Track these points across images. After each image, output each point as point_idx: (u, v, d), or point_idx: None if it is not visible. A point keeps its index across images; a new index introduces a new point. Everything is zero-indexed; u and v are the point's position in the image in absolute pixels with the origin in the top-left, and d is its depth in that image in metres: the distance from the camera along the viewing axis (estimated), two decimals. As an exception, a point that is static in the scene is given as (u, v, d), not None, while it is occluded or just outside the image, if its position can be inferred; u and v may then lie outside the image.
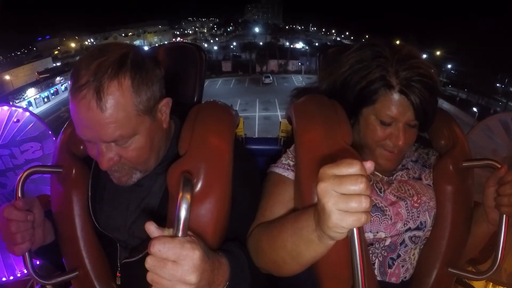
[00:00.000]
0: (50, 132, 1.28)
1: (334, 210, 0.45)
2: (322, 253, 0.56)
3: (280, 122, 1.31)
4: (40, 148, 1.27)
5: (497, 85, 26.96)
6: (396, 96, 0.72)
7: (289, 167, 0.80)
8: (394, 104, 0.72)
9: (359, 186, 0.43)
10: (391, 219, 0.77)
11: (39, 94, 26.86)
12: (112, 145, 0.66)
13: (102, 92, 0.60)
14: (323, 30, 62.22)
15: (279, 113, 21.46)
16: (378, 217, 0.76)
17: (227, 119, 0.79)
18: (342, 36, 57.44)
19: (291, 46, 47.60)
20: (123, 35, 49.10)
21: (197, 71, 1.00)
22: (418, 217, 0.78)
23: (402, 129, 0.74)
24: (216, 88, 30.56)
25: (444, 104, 25.15)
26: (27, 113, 1.27)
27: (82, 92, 0.60)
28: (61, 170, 0.78)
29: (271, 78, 32.44)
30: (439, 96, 0.74)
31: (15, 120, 1.24)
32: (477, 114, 21.26)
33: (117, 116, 0.62)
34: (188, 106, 0.83)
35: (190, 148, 0.71)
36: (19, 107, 1.29)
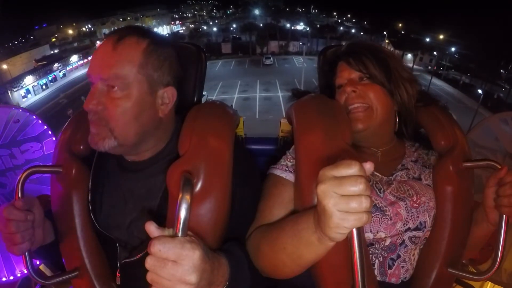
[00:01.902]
0: (50, 132, 1.28)
1: (335, 211, 0.45)
2: (322, 254, 0.56)
3: (280, 122, 1.31)
4: (40, 148, 1.27)
5: (501, 71, 26.82)
6: (340, 62, 0.89)
7: (287, 169, 0.80)
8: (340, 68, 0.88)
9: (358, 186, 0.43)
10: (391, 219, 0.77)
11: (37, 82, 26.56)
12: (104, 89, 0.69)
13: (122, 40, 0.71)
14: (324, 13, 61.64)
15: (280, 94, 21.48)
16: (378, 217, 0.76)
17: (227, 119, 0.79)
18: (344, 18, 56.68)
19: (292, 28, 46.97)
20: (121, 19, 48.57)
21: (197, 71, 1.00)
22: (418, 217, 0.78)
23: (350, 81, 0.85)
24: (215, 70, 30.03)
25: (447, 88, 25.03)
26: (27, 113, 1.26)
27: (108, 36, 0.72)
28: (61, 170, 0.78)
29: (271, 59, 32.16)
30: (384, 53, 0.87)
31: (15, 120, 1.24)
32: (481, 96, 21.02)
33: (122, 59, 0.69)
34: (188, 106, 0.83)
35: (190, 148, 0.71)
36: (19, 107, 1.29)
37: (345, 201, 0.44)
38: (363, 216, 0.44)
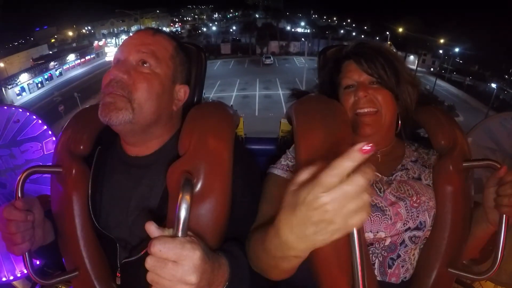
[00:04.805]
0: (50, 132, 1.28)
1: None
2: (298, 262, 0.55)
3: (280, 122, 1.31)
4: (40, 148, 1.27)
5: (505, 76, 26.77)
6: (348, 61, 0.87)
7: (288, 168, 0.80)
8: (349, 68, 0.86)
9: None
10: (391, 219, 0.77)
11: (32, 80, 26.07)
12: (133, 64, 0.74)
13: (158, 33, 0.80)
14: (324, 17, 61.53)
15: (281, 92, 21.22)
16: (378, 217, 0.77)
17: (227, 119, 0.79)
18: (344, 23, 56.66)
19: (292, 30, 46.69)
20: (120, 21, 48.84)
21: (197, 71, 1.00)
22: (418, 217, 0.78)
23: (361, 84, 0.83)
24: (214, 69, 29.71)
25: (452, 89, 25.23)
26: (27, 113, 1.26)
27: (144, 29, 0.81)
28: (61, 170, 0.78)
29: (272, 59, 31.81)
30: (392, 56, 0.85)
31: (15, 120, 1.24)
32: (495, 91, 21.09)
33: (160, 44, 0.78)
34: (187, 106, 0.83)
35: (190, 148, 0.71)
36: (19, 107, 1.29)
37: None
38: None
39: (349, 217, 0.39)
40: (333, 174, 0.38)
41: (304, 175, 0.42)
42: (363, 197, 0.39)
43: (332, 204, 0.39)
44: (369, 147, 0.37)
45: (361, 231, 0.48)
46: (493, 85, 22.54)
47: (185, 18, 62.38)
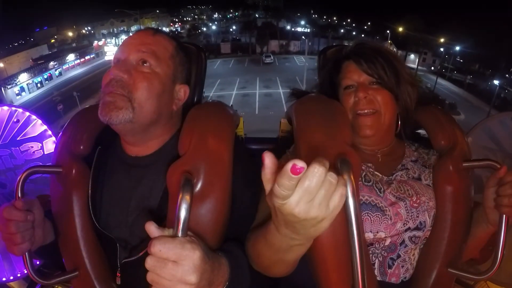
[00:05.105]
0: (50, 132, 1.28)
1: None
2: (304, 250, 0.56)
3: (280, 122, 1.31)
4: (40, 148, 1.27)
5: (506, 75, 26.80)
6: (348, 62, 0.87)
7: None
8: (349, 68, 0.86)
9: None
10: (391, 219, 0.77)
11: (32, 80, 25.80)
12: (133, 63, 0.74)
13: (158, 33, 0.80)
14: (324, 17, 61.51)
15: (281, 91, 21.12)
16: (378, 217, 0.76)
17: (227, 119, 0.79)
18: (344, 23, 56.64)
19: (292, 29, 46.68)
20: (120, 20, 48.85)
21: (197, 70, 1.00)
22: (418, 217, 0.78)
23: (361, 85, 0.83)
24: (214, 68, 29.52)
25: (453, 88, 25.35)
26: (27, 113, 1.26)
27: (144, 29, 0.81)
28: (61, 170, 0.78)
29: (272, 58, 31.55)
30: (392, 56, 0.85)
31: (15, 120, 1.24)
32: (497, 89, 21.18)
33: (160, 44, 0.78)
34: (187, 106, 0.83)
35: (190, 148, 0.71)
36: (19, 107, 1.29)
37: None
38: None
39: (327, 204, 0.39)
40: (282, 189, 0.38)
41: (268, 184, 0.41)
42: (329, 179, 0.37)
43: (298, 208, 0.38)
44: (300, 167, 0.35)
45: (361, 231, 0.48)
46: (496, 82, 22.44)
47: (185, 18, 62.43)
